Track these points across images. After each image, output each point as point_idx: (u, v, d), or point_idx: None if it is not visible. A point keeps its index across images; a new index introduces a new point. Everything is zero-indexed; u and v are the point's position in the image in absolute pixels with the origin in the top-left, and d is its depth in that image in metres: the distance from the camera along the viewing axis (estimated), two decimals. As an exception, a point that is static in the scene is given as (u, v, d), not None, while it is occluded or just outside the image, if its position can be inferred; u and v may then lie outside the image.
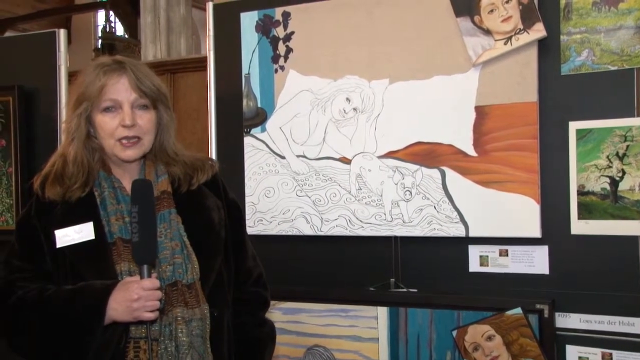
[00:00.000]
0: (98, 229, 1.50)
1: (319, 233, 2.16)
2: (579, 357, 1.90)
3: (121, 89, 1.53)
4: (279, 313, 2.16)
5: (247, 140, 2.26)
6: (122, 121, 1.52)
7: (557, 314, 1.91)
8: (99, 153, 1.56)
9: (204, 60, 2.50)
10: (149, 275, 1.42)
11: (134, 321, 1.42)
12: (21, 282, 1.48)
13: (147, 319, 1.41)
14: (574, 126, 1.89)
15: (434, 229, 2.01)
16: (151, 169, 1.59)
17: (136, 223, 1.40)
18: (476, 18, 1.96)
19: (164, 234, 1.52)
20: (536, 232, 1.91)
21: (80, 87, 1.53)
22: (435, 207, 2.01)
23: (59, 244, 1.47)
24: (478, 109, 1.97)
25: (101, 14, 12.38)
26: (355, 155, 2.11)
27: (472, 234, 1.98)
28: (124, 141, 1.53)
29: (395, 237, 2.08)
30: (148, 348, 1.44)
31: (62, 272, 1.48)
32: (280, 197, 2.21)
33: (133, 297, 1.38)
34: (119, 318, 1.40)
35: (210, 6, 2.37)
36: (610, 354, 1.85)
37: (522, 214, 1.91)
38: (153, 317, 1.42)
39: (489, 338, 1.92)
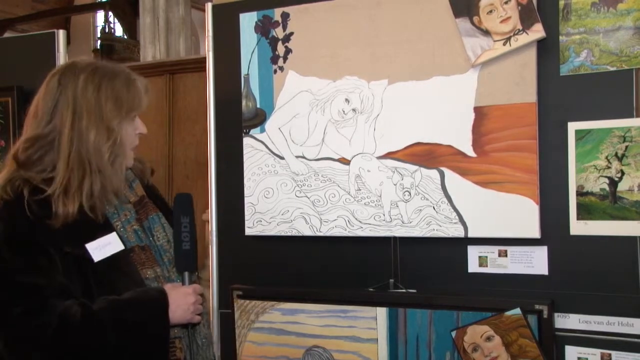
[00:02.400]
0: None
1: (318, 234, 2.16)
2: (578, 358, 1.90)
3: (144, 97, 1.52)
4: (278, 314, 2.16)
5: (246, 140, 2.26)
6: (139, 129, 1.52)
7: (556, 314, 1.91)
8: None
9: (203, 60, 2.49)
10: (191, 282, 1.52)
11: (185, 323, 1.51)
12: (49, 299, 1.40)
13: (197, 321, 1.53)
14: (573, 127, 1.89)
15: (433, 229, 2.01)
16: None
17: (187, 232, 1.50)
18: (475, 19, 1.96)
19: (161, 237, 1.55)
20: (535, 233, 1.91)
21: (109, 99, 1.47)
22: (434, 208, 2.01)
23: (96, 258, 1.45)
24: (477, 109, 1.97)
25: (100, 15, 12.39)
26: (355, 156, 2.12)
27: (471, 234, 1.98)
28: (134, 149, 1.55)
29: (395, 238, 2.08)
30: (190, 344, 1.53)
31: (81, 284, 1.45)
32: (279, 198, 2.21)
33: (192, 301, 1.48)
34: (175, 320, 1.47)
35: (209, 7, 2.37)
36: (610, 355, 1.85)
37: (521, 214, 1.91)
38: (200, 319, 1.54)
39: (488, 338, 1.92)
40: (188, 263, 1.51)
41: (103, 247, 1.47)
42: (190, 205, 1.53)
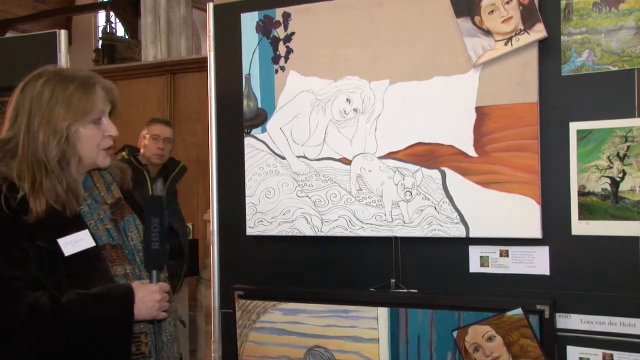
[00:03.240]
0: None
1: (319, 234, 2.16)
2: (580, 358, 1.90)
3: (101, 100, 1.58)
4: (279, 314, 2.16)
5: (248, 140, 2.26)
6: (108, 132, 1.59)
7: (557, 314, 1.91)
8: None
9: (204, 60, 2.50)
10: (158, 280, 1.59)
11: (150, 319, 1.57)
12: (20, 290, 1.47)
13: (163, 317, 1.59)
14: (574, 127, 1.89)
15: (435, 229, 2.01)
16: (98, 177, 1.67)
17: (157, 233, 1.57)
18: (476, 19, 1.96)
19: (135, 237, 1.62)
20: (537, 233, 1.91)
21: (59, 103, 1.54)
22: (435, 208, 2.01)
23: (67, 252, 1.52)
24: (478, 109, 1.97)
25: (102, 15, 12.38)
26: (356, 155, 2.11)
27: (472, 234, 1.98)
28: (107, 151, 1.60)
29: (396, 238, 2.08)
30: (156, 340, 1.59)
31: (54, 278, 1.51)
32: (280, 198, 2.21)
33: (157, 298, 1.55)
34: (141, 317, 1.54)
35: (210, 7, 2.37)
36: (611, 355, 1.85)
37: (522, 214, 1.91)
38: (166, 316, 1.61)
39: (490, 339, 1.92)
40: (156, 262, 1.59)
41: (74, 243, 1.54)
42: (161, 207, 1.60)
